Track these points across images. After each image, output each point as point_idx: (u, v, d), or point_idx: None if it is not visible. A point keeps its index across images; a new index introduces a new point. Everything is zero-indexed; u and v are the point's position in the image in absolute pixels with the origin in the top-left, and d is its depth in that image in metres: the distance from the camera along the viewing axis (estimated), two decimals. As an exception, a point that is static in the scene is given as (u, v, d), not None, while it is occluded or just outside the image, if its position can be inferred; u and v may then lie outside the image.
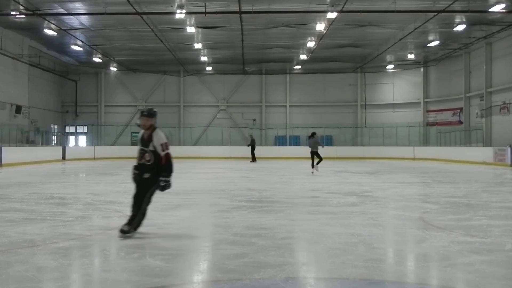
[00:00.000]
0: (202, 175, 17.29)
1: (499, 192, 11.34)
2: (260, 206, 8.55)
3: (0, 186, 12.45)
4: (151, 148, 5.70)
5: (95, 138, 35.38)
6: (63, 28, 23.95)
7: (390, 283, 4.08)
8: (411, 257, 5.09)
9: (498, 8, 19.66)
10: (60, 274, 4.26)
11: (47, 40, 27.22)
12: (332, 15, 20.58)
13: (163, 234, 5.96)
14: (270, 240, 5.59)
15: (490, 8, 20.02)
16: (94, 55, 30.99)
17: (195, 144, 35.15)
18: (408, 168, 21.51)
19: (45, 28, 23.31)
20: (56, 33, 24.43)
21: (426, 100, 33.73)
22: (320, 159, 17.42)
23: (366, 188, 11.81)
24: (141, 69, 34.72)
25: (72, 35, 25.69)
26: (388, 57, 31.91)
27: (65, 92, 35.71)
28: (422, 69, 33.72)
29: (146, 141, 5.76)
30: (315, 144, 17.56)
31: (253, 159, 27.68)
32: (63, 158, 28.87)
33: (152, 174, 5.68)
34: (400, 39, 25.09)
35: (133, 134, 34.02)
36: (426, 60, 32.78)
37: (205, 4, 19.86)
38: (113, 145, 34.32)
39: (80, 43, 27.48)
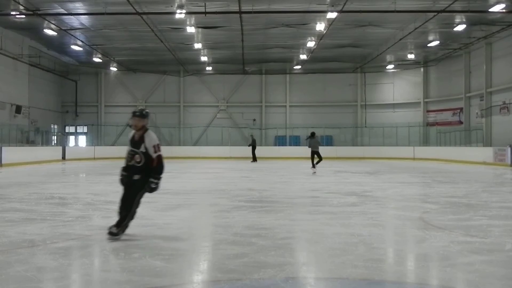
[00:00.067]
0: (202, 175, 17.29)
1: (499, 192, 11.34)
2: (260, 206, 8.55)
3: (0, 186, 12.45)
4: (142, 149, 5.58)
5: (95, 138, 35.39)
6: (63, 28, 23.95)
7: (390, 283, 4.08)
8: (411, 257, 5.09)
9: (498, 8, 19.66)
10: (60, 274, 4.26)
11: (47, 40, 27.23)
12: (332, 15, 20.57)
13: (163, 234, 5.96)
14: (270, 240, 5.59)
15: (490, 8, 20.02)
16: (94, 55, 31.00)
17: (195, 144, 35.15)
18: (408, 168, 21.51)
19: (45, 28, 23.31)
20: (56, 33, 24.43)
21: (426, 100, 33.73)
22: (320, 159, 17.41)
23: (366, 188, 11.81)
24: (141, 69, 34.72)
25: (72, 35, 25.69)
26: (388, 57, 31.91)
27: (65, 92, 35.72)
28: (422, 69, 33.72)
29: (137, 142, 5.63)
30: (316, 144, 17.58)
31: (254, 159, 27.68)
32: (63, 158, 28.86)
33: (142, 176, 5.56)
34: (400, 39, 25.09)
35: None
36: (426, 60, 32.78)
37: (205, 4, 19.86)
38: (113, 145, 34.30)
39: (80, 43, 27.49)
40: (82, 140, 36.64)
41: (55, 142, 33.59)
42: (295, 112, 35.85)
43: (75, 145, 35.87)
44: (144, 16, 21.23)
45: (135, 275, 4.17)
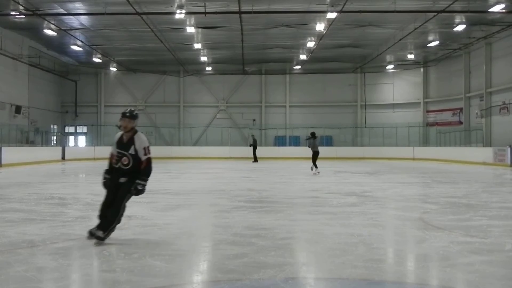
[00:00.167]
0: (202, 175, 17.29)
1: (499, 192, 11.34)
2: (260, 206, 8.55)
3: (0, 186, 12.44)
4: (131, 151, 5.41)
5: (95, 138, 35.36)
6: (63, 28, 23.94)
7: (390, 283, 4.08)
8: (411, 257, 5.09)
9: (498, 8, 19.66)
10: (60, 274, 4.26)
11: (47, 40, 27.22)
12: (332, 15, 20.57)
13: (163, 234, 5.96)
14: (270, 240, 5.59)
15: (490, 8, 20.02)
16: (94, 55, 30.99)
17: (195, 144, 35.15)
18: (408, 168, 21.51)
19: (45, 28, 23.30)
20: (56, 33, 24.42)
21: (426, 100, 33.74)
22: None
23: (366, 188, 11.81)
24: (141, 69, 34.72)
25: (72, 35, 25.68)
26: (388, 57, 31.91)
27: (65, 92, 35.71)
28: (422, 69, 33.72)
29: (125, 144, 5.46)
30: (316, 144, 17.60)
31: (255, 159, 27.69)
32: (63, 158, 28.85)
33: (129, 179, 5.39)
34: (400, 39, 25.09)
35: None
36: (426, 60, 32.78)
37: (205, 4, 19.85)
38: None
39: (80, 43, 27.48)
40: (82, 140, 36.63)
41: (55, 142, 33.58)
42: (295, 112, 35.85)
43: (74, 145, 35.85)
44: (144, 16, 21.23)
45: (135, 275, 4.16)
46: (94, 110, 36.23)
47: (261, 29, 24.45)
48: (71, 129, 36.60)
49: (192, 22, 23.17)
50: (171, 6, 20.28)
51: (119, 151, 5.47)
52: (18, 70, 27.79)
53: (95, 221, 6.89)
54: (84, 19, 23.23)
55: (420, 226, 6.58)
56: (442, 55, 30.38)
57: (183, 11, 20.04)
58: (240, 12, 20.33)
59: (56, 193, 10.79)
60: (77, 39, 26.56)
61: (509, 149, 22.35)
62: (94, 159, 29.56)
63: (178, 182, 14.37)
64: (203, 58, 31.67)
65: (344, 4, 19.03)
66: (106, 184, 5.54)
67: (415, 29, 22.76)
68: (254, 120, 35.79)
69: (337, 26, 23.08)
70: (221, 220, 7.07)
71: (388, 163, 27.08)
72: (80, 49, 29.01)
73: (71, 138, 36.71)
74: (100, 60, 31.92)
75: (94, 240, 5.29)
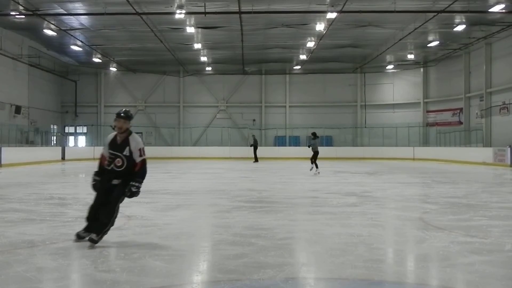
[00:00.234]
0: (202, 175, 17.29)
1: (499, 193, 11.34)
2: (260, 206, 8.55)
3: (0, 186, 12.44)
4: (126, 152, 5.29)
5: (95, 139, 35.34)
6: (62, 28, 23.94)
7: (390, 283, 4.08)
8: (411, 257, 5.09)
9: (497, 8, 19.66)
10: (59, 274, 4.26)
11: (47, 40, 27.21)
12: (332, 15, 20.57)
13: (163, 235, 5.96)
14: (270, 240, 5.59)
15: (490, 8, 20.02)
16: (93, 55, 30.98)
17: (195, 144, 35.15)
18: (408, 169, 21.52)
19: (45, 28, 23.29)
20: (55, 33, 24.41)
21: (426, 100, 33.73)
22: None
23: (366, 189, 11.81)
24: (141, 69, 34.72)
25: (71, 35, 25.68)
26: (388, 57, 31.89)
27: (65, 92, 35.71)
28: (422, 69, 33.72)
29: (120, 145, 5.33)
30: (317, 144, 17.62)
31: (256, 159, 27.70)
32: (63, 158, 28.86)
33: (123, 181, 5.27)
34: (400, 39, 25.08)
35: (132, 134, 34.01)
36: (426, 60, 32.78)
37: (204, 4, 19.85)
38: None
39: (79, 43, 27.48)
40: (82, 141, 36.63)
41: (55, 142, 33.58)
42: (295, 112, 35.85)
43: (74, 146, 35.86)
44: (144, 16, 21.22)
45: (135, 276, 4.16)
46: (94, 110, 36.22)
47: (261, 29, 24.44)
48: (71, 129, 36.60)
49: (192, 22, 23.16)
50: (171, 6, 20.28)
51: (113, 152, 5.34)
52: (18, 70, 27.78)
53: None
54: (84, 19, 23.22)
55: (420, 226, 6.58)
56: (442, 55, 30.38)
57: (183, 11, 20.04)
58: (240, 12, 20.33)
59: (56, 193, 10.79)
60: (77, 39, 26.56)
61: (509, 149, 22.36)
62: (94, 159, 29.47)
63: (178, 182, 14.37)
64: (203, 58, 31.66)
65: (344, 4, 19.03)
66: (96, 186, 5.41)
67: (415, 29, 22.75)
68: (254, 120, 35.79)
69: (337, 26, 23.07)
70: (221, 220, 7.06)
71: (388, 163, 27.08)
72: (80, 49, 29.00)
73: (71, 138, 36.72)
74: (100, 60, 31.91)
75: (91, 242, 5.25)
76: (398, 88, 34.90)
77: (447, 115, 31.93)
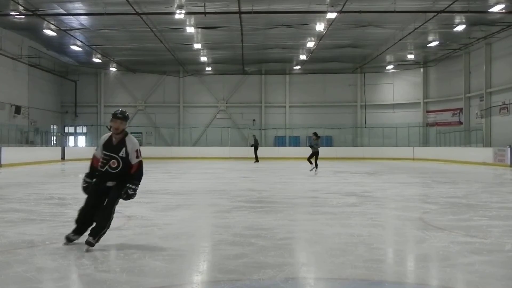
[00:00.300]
0: (202, 175, 17.28)
1: (499, 193, 11.34)
2: (260, 206, 8.55)
3: (0, 186, 12.43)
4: (122, 154, 5.15)
5: (95, 139, 35.30)
6: (62, 28, 23.94)
7: (390, 283, 4.08)
8: (411, 257, 5.09)
9: (497, 8, 19.66)
10: (59, 274, 4.26)
11: (47, 40, 27.21)
12: (332, 15, 20.57)
13: (163, 235, 5.96)
14: (269, 240, 5.59)
15: (489, 8, 20.03)
16: (93, 56, 30.98)
17: (195, 144, 35.16)
18: (407, 169, 21.52)
19: (45, 28, 23.29)
20: (55, 34, 24.42)
21: (425, 100, 33.74)
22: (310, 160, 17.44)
23: (366, 189, 11.81)
24: (140, 69, 34.72)
25: (71, 36, 25.68)
26: (388, 58, 31.90)
27: (65, 93, 35.72)
28: (421, 70, 33.73)
29: (115, 147, 5.18)
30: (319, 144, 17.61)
31: (256, 159, 27.71)
32: (63, 158, 28.86)
33: (118, 183, 5.14)
34: (400, 40, 25.09)
35: (132, 134, 33.91)
36: (426, 61, 32.79)
37: (204, 4, 19.85)
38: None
39: (79, 43, 27.48)
40: (82, 141, 36.65)
41: (55, 142, 33.59)
42: (295, 112, 35.86)
43: (74, 146, 35.88)
44: (144, 17, 21.22)
45: (135, 276, 4.16)
46: (94, 110, 36.23)
47: (261, 29, 24.44)
48: (71, 129, 36.61)
49: (192, 22, 23.16)
50: (171, 6, 20.28)
51: (107, 153, 5.19)
52: (18, 70, 27.79)
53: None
54: (83, 19, 23.22)
55: (420, 226, 6.58)
56: (442, 55, 30.38)
57: (183, 11, 20.04)
58: (240, 12, 20.33)
59: (56, 193, 10.79)
60: (77, 39, 26.56)
61: (509, 149, 22.36)
62: (94, 159, 29.55)
63: (178, 182, 14.37)
64: (203, 58, 31.67)
65: (344, 4, 19.03)
66: (87, 189, 5.25)
67: (415, 29, 22.76)
68: (254, 120, 35.79)
69: (337, 26, 23.08)
70: (221, 220, 7.06)
71: (388, 163, 27.08)
72: (80, 49, 29.00)
73: (71, 138, 36.73)
74: (99, 60, 31.91)
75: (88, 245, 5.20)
76: (398, 88, 34.91)
77: (447, 115, 31.93)
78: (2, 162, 21.48)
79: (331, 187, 12.61)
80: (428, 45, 27.76)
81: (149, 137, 35.70)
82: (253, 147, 28.29)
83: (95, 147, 5.43)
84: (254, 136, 29.91)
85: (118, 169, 5.14)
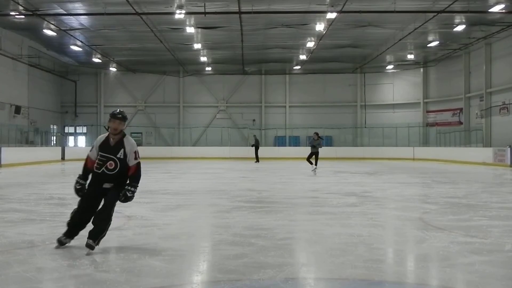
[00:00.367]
0: (202, 175, 17.28)
1: (499, 193, 11.34)
2: (260, 206, 8.55)
3: (0, 186, 12.43)
4: (120, 155, 5.03)
5: (95, 139, 35.00)
6: (62, 28, 23.94)
7: (390, 283, 4.08)
8: (411, 257, 5.08)
9: (497, 8, 19.67)
10: (59, 274, 4.26)
11: (47, 40, 27.21)
12: (331, 15, 20.58)
13: (162, 235, 5.96)
14: (269, 240, 5.59)
15: (489, 8, 20.03)
16: (93, 56, 30.99)
17: (195, 144, 35.16)
18: (407, 169, 21.52)
19: (45, 28, 23.30)
20: (55, 34, 24.43)
21: (425, 100, 33.75)
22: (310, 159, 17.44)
23: (366, 189, 11.81)
24: (140, 69, 34.72)
25: (71, 36, 25.68)
26: (388, 58, 31.91)
27: (65, 93, 35.72)
28: (421, 70, 33.73)
29: (113, 148, 5.06)
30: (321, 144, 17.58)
31: (257, 159, 27.71)
32: (63, 158, 28.87)
33: (115, 185, 5.03)
34: (400, 40, 25.09)
35: (132, 134, 34.04)
36: (426, 61, 32.79)
37: (204, 4, 19.85)
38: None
39: (79, 43, 27.48)
40: (82, 141, 36.65)
41: (55, 142, 33.60)
42: (295, 112, 35.87)
43: (74, 146, 35.87)
44: (144, 17, 21.23)
45: (135, 276, 4.16)
46: (93, 111, 36.24)
47: (261, 29, 24.45)
48: (71, 129, 36.62)
49: (192, 22, 23.17)
50: (171, 6, 20.28)
51: (104, 154, 5.06)
52: (18, 70, 27.79)
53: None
54: (83, 19, 23.22)
55: (420, 226, 6.58)
56: (442, 55, 30.39)
57: (183, 11, 20.05)
58: (240, 12, 20.33)
59: (56, 193, 10.78)
60: (77, 39, 26.56)
61: (509, 149, 22.36)
62: (94, 159, 29.55)
63: (178, 182, 14.37)
64: (203, 58, 31.67)
65: (344, 4, 19.04)
66: (81, 191, 5.10)
67: (415, 29, 22.76)
68: (254, 120, 35.80)
69: (337, 26, 23.09)
70: (221, 220, 7.06)
71: (388, 163, 27.08)
72: (80, 49, 29.00)
73: (71, 138, 36.73)
74: (99, 60, 31.91)
75: (87, 236, 5.18)
76: (398, 88, 34.91)
77: (447, 115, 31.93)
78: (2, 162, 21.48)
79: (331, 187, 12.61)
80: (428, 45, 27.77)
81: (149, 137, 35.70)
82: (253, 147, 28.29)
83: (90, 148, 5.30)
84: (255, 136, 29.92)
85: (116, 170, 5.03)
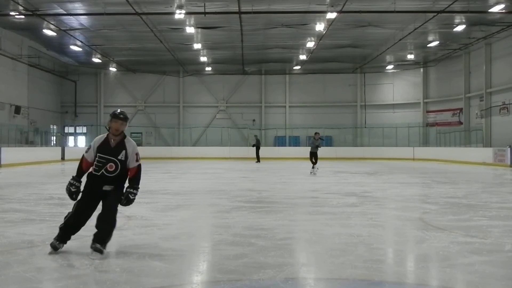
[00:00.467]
0: (202, 175, 17.28)
1: (499, 193, 11.34)
2: (260, 206, 8.55)
3: (0, 186, 12.43)
4: (121, 157, 4.88)
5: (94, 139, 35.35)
6: (62, 28, 23.95)
7: (390, 283, 4.08)
8: (411, 257, 5.08)
9: (497, 8, 19.68)
10: (59, 274, 4.25)
11: (47, 40, 27.22)
12: (331, 15, 20.59)
13: (163, 235, 5.96)
14: (269, 240, 5.58)
15: (489, 8, 20.04)
16: (93, 56, 31.00)
17: (195, 144, 35.17)
18: (407, 169, 21.51)
19: (45, 28, 23.30)
20: (55, 34, 24.43)
21: (425, 100, 33.75)
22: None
23: (366, 189, 11.81)
24: (140, 69, 34.73)
25: (71, 36, 25.69)
26: (388, 58, 31.92)
27: (65, 93, 35.73)
28: (421, 70, 33.74)
29: (114, 149, 4.91)
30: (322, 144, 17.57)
31: (258, 159, 27.71)
32: (63, 158, 28.86)
33: (115, 187, 4.92)
34: (400, 40, 25.10)
35: (132, 134, 34.03)
36: (426, 61, 32.79)
37: (204, 4, 19.86)
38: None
39: (79, 43, 27.49)
40: (82, 141, 36.65)
41: (55, 142, 33.61)
42: (295, 112, 35.87)
43: (74, 146, 35.87)
44: (144, 17, 21.23)
45: (135, 276, 4.16)
46: (93, 111, 36.24)
47: (261, 29, 24.45)
48: (71, 129, 36.63)
49: (192, 22, 23.17)
50: (171, 6, 20.29)
51: (104, 156, 4.90)
52: (18, 70, 27.79)
53: (94, 221, 6.88)
54: (83, 19, 23.23)
55: (420, 226, 6.57)
56: (442, 55, 30.39)
57: (183, 11, 20.05)
58: (240, 12, 20.34)
59: (56, 193, 10.78)
60: (77, 39, 26.57)
61: (509, 149, 22.36)
62: (93, 159, 29.54)
63: (178, 182, 14.37)
64: (203, 58, 31.68)
65: (344, 4, 19.04)
66: (76, 194, 4.93)
67: (415, 29, 22.77)
68: (253, 120, 35.80)
69: (337, 26, 23.09)
70: (221, 221, 7.05)
71: (388, 163, 27.08)
72: (80, 49, 29.01)
73: (71, 138, 36.73)
74: (99, 60, 31.92)
75: (92, 240, 5.18)
76: (398, 88, 34.92)
77: (447, 115, 31.94)
78: (2, 162, 21.48)
79: (331, 187, 12.61)
80: (428, 45, 27.78)
81: (149, 137, 35.70)
82: (254, 147, 28.29)
83: (86, 149, 5.13)
84: (255, 136, 29.94)
85: (116, 172, 4.89)
